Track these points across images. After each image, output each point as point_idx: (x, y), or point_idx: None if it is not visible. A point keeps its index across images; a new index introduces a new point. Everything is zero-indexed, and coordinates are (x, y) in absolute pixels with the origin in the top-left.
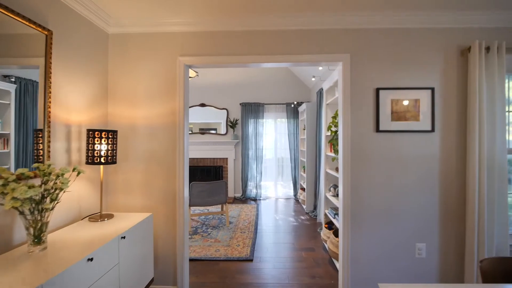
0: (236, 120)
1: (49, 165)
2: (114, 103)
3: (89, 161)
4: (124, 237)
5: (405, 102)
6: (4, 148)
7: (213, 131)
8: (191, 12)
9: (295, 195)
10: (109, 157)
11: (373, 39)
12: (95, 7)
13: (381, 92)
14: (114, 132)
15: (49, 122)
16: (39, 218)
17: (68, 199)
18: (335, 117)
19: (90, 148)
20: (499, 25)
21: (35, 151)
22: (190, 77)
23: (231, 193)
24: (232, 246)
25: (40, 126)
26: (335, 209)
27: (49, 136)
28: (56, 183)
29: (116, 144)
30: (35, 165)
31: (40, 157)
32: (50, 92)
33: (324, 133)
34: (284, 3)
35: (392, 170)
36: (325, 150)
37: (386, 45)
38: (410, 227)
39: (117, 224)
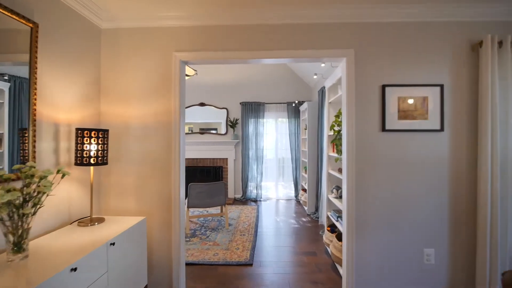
0: (236, 120)
1: (31, 167)
2: (107, 101)
3: (78, 162)
4: (113, 244)
5: (412, 100)
6: None
7: (213, 131)
8: (187, 5)
9: (296, 196)
10: (100, 158)
11: (378, 33)
12: (86, 0)
13: (387, 89)
14: (105, 132)
15: (35, 120)
16: (19, 224)
17: (57, 203)
18: (338, 116)
19: (79, 148)
20: None
21: (21, 151)
22: (189, 76)
23: (231, 194)
24: (231, 250)
25: (26, 125)
26: (338, 211)
27: (34, 136)
28: (39, 185)
29: (107, 144)
30: (16, 166)
31: (26, 157)
32: (36, 89)
33: (326, 133)
34: None
35: (399, 171)
36: (328, 151)
37: (391, 40)
38: (418, 231)
39: (107, 229)
